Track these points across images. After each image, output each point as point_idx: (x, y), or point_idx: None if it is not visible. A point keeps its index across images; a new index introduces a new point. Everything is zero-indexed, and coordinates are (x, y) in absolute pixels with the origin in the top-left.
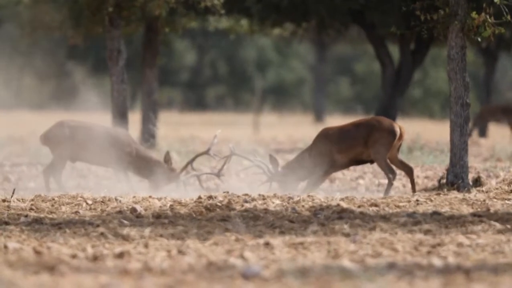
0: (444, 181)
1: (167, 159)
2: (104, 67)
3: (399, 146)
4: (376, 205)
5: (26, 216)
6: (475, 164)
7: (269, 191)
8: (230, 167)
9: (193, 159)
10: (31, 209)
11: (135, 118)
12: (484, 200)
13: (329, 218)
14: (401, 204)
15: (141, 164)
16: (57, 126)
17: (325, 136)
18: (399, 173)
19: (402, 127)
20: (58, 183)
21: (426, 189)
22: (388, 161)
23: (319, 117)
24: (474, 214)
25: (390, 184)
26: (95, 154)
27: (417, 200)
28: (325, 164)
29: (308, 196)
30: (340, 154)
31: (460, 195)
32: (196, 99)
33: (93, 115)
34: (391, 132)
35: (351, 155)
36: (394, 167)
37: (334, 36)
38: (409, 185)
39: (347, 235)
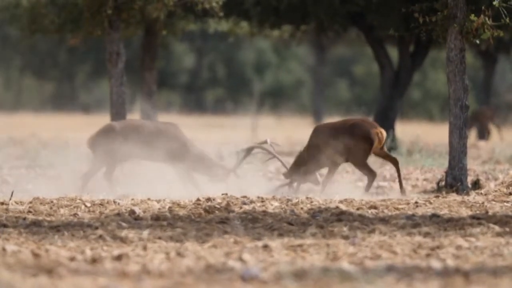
0: (443, 183)
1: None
2: (103, 69)
3: (382, 146)
4: (375, 208)
5: (25, 218)
6: (474, 167)
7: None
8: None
9: (247, 153)
10: (29, 211)
11: None
12: (483, 203)
13: (328, 220)
14: (400, 206)
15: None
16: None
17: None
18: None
19: (381, 132)
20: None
21: (425, 192)
22: (367, 164)
23: (318, 119)
24: (473, 217)
25: (369, 184)
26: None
27: (416, 203)
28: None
29: (307, 198)
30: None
31: (459, 198)
32: (195, 101)
33: None
34: (368, 140)
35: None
36: (374, 167)
37: (333, 38)
38: (409, 188)
39: (346, 237)
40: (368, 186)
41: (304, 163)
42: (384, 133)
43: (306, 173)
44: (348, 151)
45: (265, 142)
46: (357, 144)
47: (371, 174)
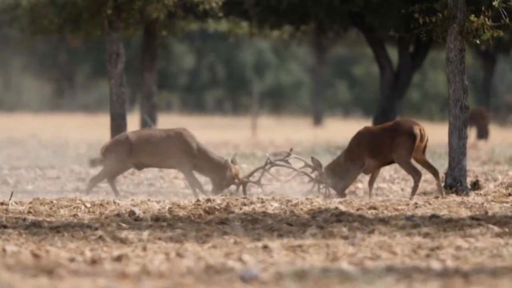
0: (442, 184)
1: (234, 162)
2: (103, 70)
3: (424, 147)
4: (374, 208)
5: (24, 219)
6: (473, 168)
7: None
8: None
9: (265, 164)
10: (29, 212)
11: (133, 121)
12: (483, 203)
13: (327, 221)
14: (399, 207)
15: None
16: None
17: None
18: (398, 176)
19: (423, 129)
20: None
21: (425, 193)
22: (412, 163)
23: (318, 120)
24: (472, 218)
25: (416, 185)
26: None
27: (416, 203)
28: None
29: (307, 199)
30: (372, 159)
31: (458, 199)
32: (195, 102)
33: None
34: (411, 135)
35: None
36: (420, 167)
37: (332, 39)
38: (408, 189)
39: (345, 238)
40: (414, 188)
41: (340, 168)
42: (426, 131)
43: (342, 179)
44: (391, 150)
45: (290, 152)
46: (401, 140)
47: (416, 173)
